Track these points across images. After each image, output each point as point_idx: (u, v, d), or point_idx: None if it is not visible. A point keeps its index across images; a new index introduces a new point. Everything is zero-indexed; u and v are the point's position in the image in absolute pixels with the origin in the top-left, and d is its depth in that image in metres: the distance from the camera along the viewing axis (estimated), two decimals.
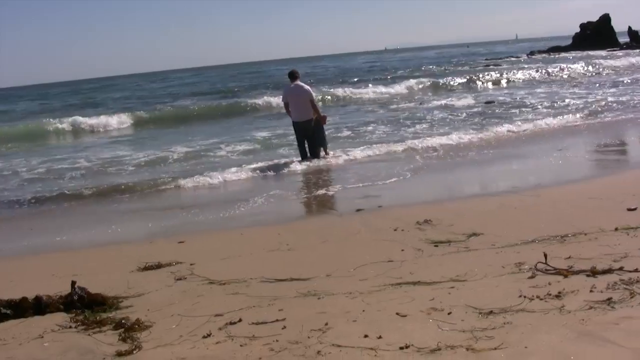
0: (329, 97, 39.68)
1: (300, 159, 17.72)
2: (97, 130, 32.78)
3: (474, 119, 24.94)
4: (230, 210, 12.24)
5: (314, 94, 18.12)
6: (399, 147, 18.87)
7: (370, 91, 41.74)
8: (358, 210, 11.12)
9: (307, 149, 17.79)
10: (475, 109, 28.54)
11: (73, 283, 7.16)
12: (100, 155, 22.91)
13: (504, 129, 21.22)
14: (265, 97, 39.05)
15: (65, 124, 33.78)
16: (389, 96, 39.69)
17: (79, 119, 34.77)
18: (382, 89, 42.46)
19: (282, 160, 18.01)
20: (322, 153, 17.84)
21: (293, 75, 17.83)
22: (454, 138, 19.78)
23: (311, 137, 17.66)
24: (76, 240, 11.07)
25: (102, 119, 34.31)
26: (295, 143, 18.25)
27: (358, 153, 18.39)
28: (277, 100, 35.05)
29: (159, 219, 12.29)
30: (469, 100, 32.74)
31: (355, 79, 59.70)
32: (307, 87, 17.82)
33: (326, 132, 18.68)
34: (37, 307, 6.93)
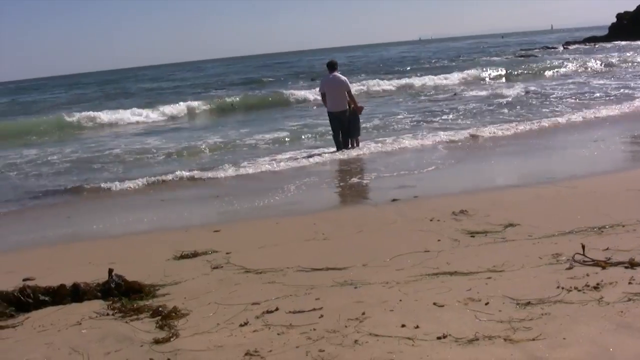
0: (363, 88, 39.09)
1: (335, 149, 17.81)
2: (128, 121, 32.67)
3: (510, 110, 24.74)
4: (265, 200, 12.27)
5: (350, 85, 18.17)
6: (433, 138, 18.94)
7: (409, 82, 41.42)
8: (393, 200, 11.10)
9: (341, 139, 17.84)
10: (511, 99, 28.26)
11: (110, 271, 7.22)
12: (134, 145, 23.08)
13: (540, 119, 21.14)
14: (302, 91, 38.70)
15: (97, 113, 33.62)
16: (427, 87, 39.40)
17: (108, 111, 34.57)
18: (422, 80, 41.94)
19: (317, 150, 18.22)
20: (354, 143, 17.93)
21: (332, 66, 17.90)
22: (488, 129, 19.75)
23: (346, 127, 17.76)
24: (112, 229, 11.17)
25: (135, 110, 34.28)
26: (331, 133, 18.31)
27: (393, 143, 18.51)
28: (304, 92, 35.18)
29: (194, 208, 12.39)
30: (506, 90, 32.32)
31: (398, 69, 59.63)
32: (344, 78, 17.91)
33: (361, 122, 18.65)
34: (75, 294, 7.01)
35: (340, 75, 17.88)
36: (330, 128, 18.29)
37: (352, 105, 17.77)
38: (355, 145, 17.87)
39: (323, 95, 18.03)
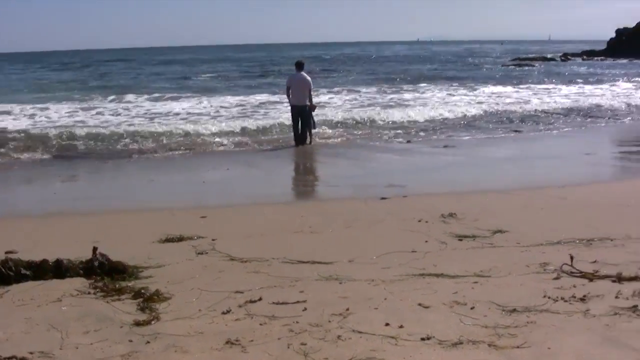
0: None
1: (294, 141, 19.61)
2: None
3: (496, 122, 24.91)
4: (251, 189, 12.29)
5: (312, 85, 20.24)
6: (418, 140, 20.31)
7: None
8: (382, 198, 11.03)
9: (299, 131, 19.59)
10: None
11: (94, 249, 7.16)
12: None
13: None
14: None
15: None
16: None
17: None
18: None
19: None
20: (310, 136, 19.70)
21: (300, 66, 20.00)
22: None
23: (304, 120, 19.56)
24: (99, 207, 11.11)
25: None
26: (292, 125, 20.08)
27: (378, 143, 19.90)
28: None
29: (181, 192, 12.35)
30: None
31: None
32: (309, 78, 20.07)
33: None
34: (57, 270, 6.93)
35: (306, 75, 20.00)
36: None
37: (310, 103, 19.61)
38: (309, 137, 19.65)
39: (288, 89, 19.94)
